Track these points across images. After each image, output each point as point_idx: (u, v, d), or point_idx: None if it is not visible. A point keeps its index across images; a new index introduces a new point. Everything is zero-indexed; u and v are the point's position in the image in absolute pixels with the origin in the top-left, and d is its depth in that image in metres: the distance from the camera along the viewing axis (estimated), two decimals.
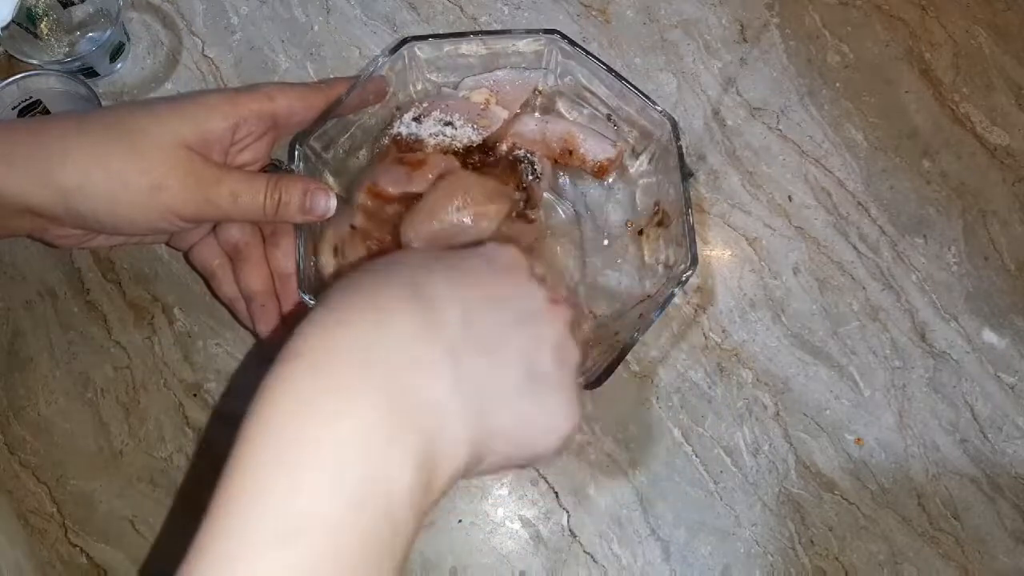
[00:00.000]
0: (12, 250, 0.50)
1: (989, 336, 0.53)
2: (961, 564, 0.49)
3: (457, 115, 0.48)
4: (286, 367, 0.27)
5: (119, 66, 0.54)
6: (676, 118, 0.45)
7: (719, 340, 0.51)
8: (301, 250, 0.42)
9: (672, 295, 0.42)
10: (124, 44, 0.53)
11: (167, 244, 0.46)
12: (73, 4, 0.52)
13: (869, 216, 0.54)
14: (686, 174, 0.44)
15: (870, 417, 0.51)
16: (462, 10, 0.56)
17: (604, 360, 0.42)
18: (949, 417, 0.51)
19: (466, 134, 0.47)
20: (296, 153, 0.42)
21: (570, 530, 0.48)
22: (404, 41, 0.44)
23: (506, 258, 0.34)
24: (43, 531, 0.47)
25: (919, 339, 0.52)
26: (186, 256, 0.46)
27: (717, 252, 0.53)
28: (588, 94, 0.49)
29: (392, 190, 0.45)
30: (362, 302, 0.29)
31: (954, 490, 0.50)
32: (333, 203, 0.41)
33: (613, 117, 0.49)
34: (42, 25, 0.51)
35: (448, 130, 0.47)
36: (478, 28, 0.56)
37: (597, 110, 0.50)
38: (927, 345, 0.52)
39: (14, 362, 0.49)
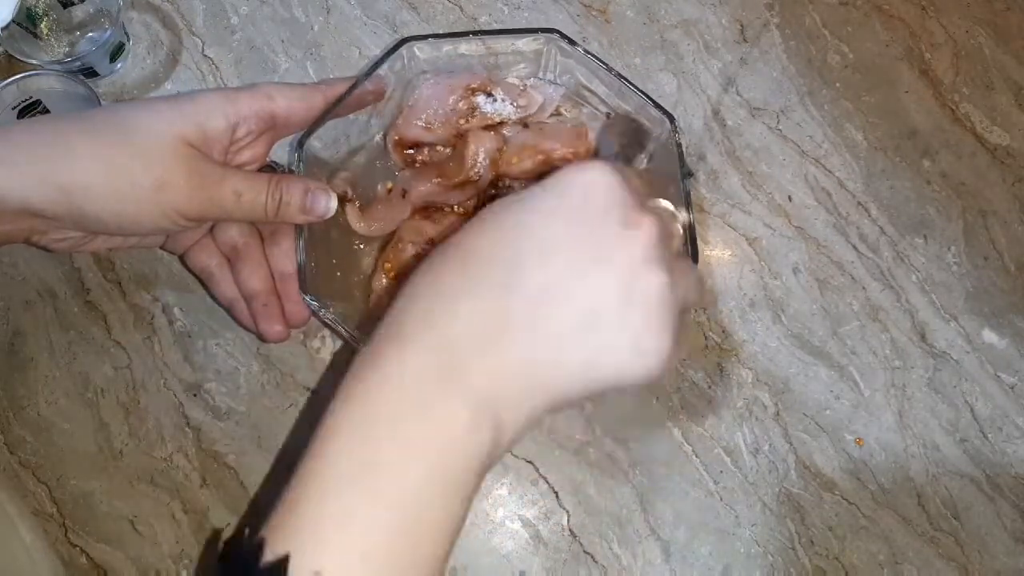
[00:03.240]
0: (12, 250, 0.50)
1: (989, 336, 0.53)
2: (961, 564, 0.49)
3: (499, 89, 0.48)
4: (376, 342, 0.30)
5: (119, 66, 0.54)
6: (675, 116, 0.45)
7: (719, 340, 0.51)
8: (302, 250, 0.42)
9: (680, 149, 0.42)
10: (124, 44, 0.53)
11: (163, 248, 0.46)
12: (73, 4, 0.52)
13: (869, 216, 0.54)
14: (686, 172, 0.44)
15: (870, 417, 0.51)
16: (462, 10, 0.56)
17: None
18: (949, 417, 0.51)
19: (506, 109, 0.48)
20: (298, 153, 0.42)
21: (570, 530, 0.48)
22: (403, 41, 0.44)
23: (581, 184, 0.32)
24: (43, 531, 0.46)
25: (919, 339, 0.52)
26: (182, 259, 0.46)
27: (717, 252, 0.53)
28: (587, 93, 0.49)
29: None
30: (427, 277, 0.32)
31: (954, 490, 0.50)
32: (333, 203, 0.41)
33: (612, 116, 0.49)
34: (42, 25, 0.51)
35: (488, 102, 0.48)
36: (478, 28, 0.56)
37: (597, 109, 0.50)
38: (927, 345, 0.52)
39: (14, 362, 0.49)
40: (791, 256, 0.53)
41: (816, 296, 0.53)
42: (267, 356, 0.50)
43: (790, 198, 0.54)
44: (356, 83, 0.43)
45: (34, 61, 0.48)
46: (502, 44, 0.47)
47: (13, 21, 0.48)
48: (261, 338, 0.45)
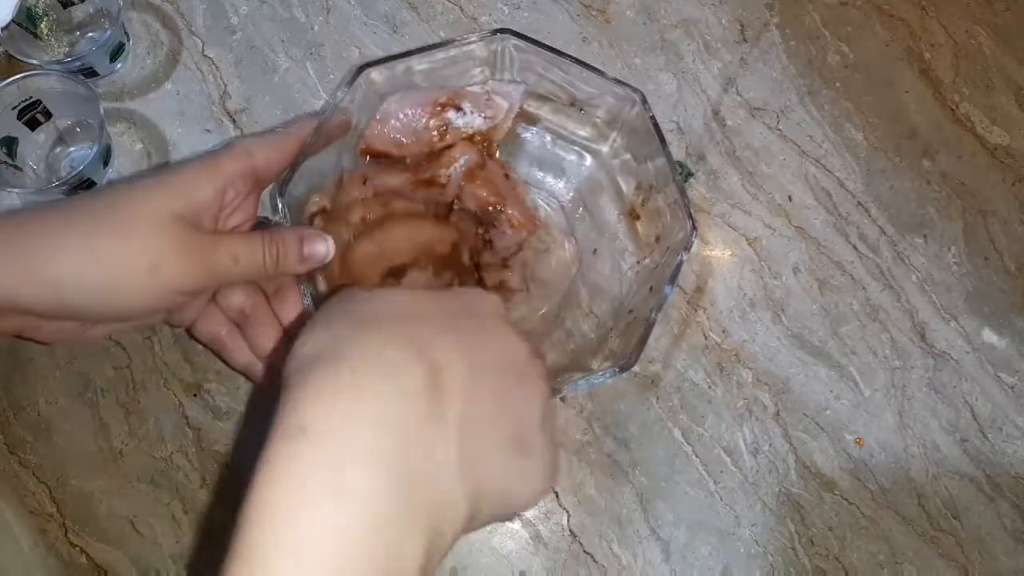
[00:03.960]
0: None
1: (989, 336, 0.53)
2: (961, 564, 0.49)
3: (467, 102, 0.48)
4: (288, 443, 0.27)
5: (119, 66, 0.54)
6: (644, 92, 0.44)
7: (719, 340, 0.51)
8: (308, 299, 0.41)
9: (680, 264, 0.41)
10: (124, 44, 0.53)
11: (168, 323, 0.44)
12: (73, 4, 0.52)
13: (869, 216, 0.54)
14: (663, 141, 0.44)
15: (870, 417, 0.51)
16: (462, 10, 0.56)
17: (627, 343, 0.42)
18: (949, 417, 0.51)
19: (475, 121, 0.47)
20: (281, 203, 0.41)
21: (570, 530, 0.48)
22: (361, 68, 0.44)
23: (485, 306, 0.34)
24: (43, 531, 0.47)
25: (919, 339, 0.52)
26: (189, 332, 0.44)
27: (717, 252, 0.53)
28: (550, 85, 0.48)
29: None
30: (365, 356, 0.29)
31: (954, 490, 0.50)
32: (331, 247, 0.40)
33: (577, 103, 0.48)
34: (42, 25, 0.51)
35: (459, 116, 0.47)
36: (478, 28, 0.56)
37: (558, 98, 0.49)
38: (927, 345, 0.52)
39: (14, 362, 0.49)
40: (791, 256, 0.53)
41: (816, 296, 0.53)
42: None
43: (790, 198, 0.54)
44: (321, 121, 0.43)
45: (34, 61, 0.48)
46: (457, 52, 0.45)
47: (13, 21, 0.48)
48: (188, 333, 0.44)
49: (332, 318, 0.32)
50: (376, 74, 0.45)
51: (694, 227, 0.42)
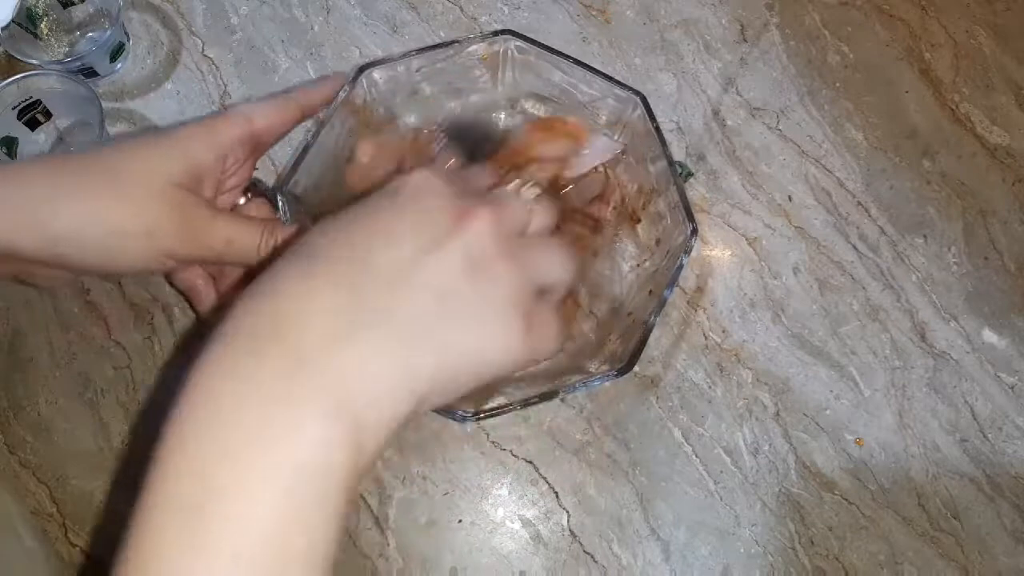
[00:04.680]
0: None
1: (989, 336, 0.53)
2: (961, 564, 0.49)
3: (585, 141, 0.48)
4: (202, 364, 0.26)
5: (119, 66, 0.54)
6: (645, 93, 0.44)
7: (719, 340, 0.51)
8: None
9: (680, 268, 0.41)
10: (124, 44, 0.53)
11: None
12: (73, 4, 0.52)
13: (869, 216, 0.54)
14: (665, 144, 0.44)
15: (870, 417, 0.51)
16: (462, 10, 0.56)
17: (626, 345, 0.41)
18: (949, 417, 0.51)
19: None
20: (280, 201, 0.41)
21: (570, 530, 0.48)
22: (362, 69, 0.44)
23: (410, 184, 0.31)
24: (43, 531, 0.47)
25: (919, 339, 0.52)
26: (167, 278, 0.45)
27: (717, 252, 0.53)
28: (552, 87, 0.48)
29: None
30: (268, 281, 0.28)
31: (954, 490, 0.50)
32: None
33: (578, 104, 0.48)
34: (42, 25, 0.51)
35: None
36: (478, 28, 0.56)
37: (560, 101, 0.49)
38: (927, 345, 0.52)
39: (14, 362, 0.49)
40: (791, 256, 0.53)
41: (816, 296, 0.53)
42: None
43: (790, 198, 0.54)
44: (326, 113, 0.43)
45: (34, 61, 0.48)
46: (459, 52, 0.46)
47: (13, 21, 0.48)
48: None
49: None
50: (377, 74, 0.45)
51: (695, 231, 0.42)
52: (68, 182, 0.35)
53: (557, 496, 0.49)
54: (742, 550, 0.48)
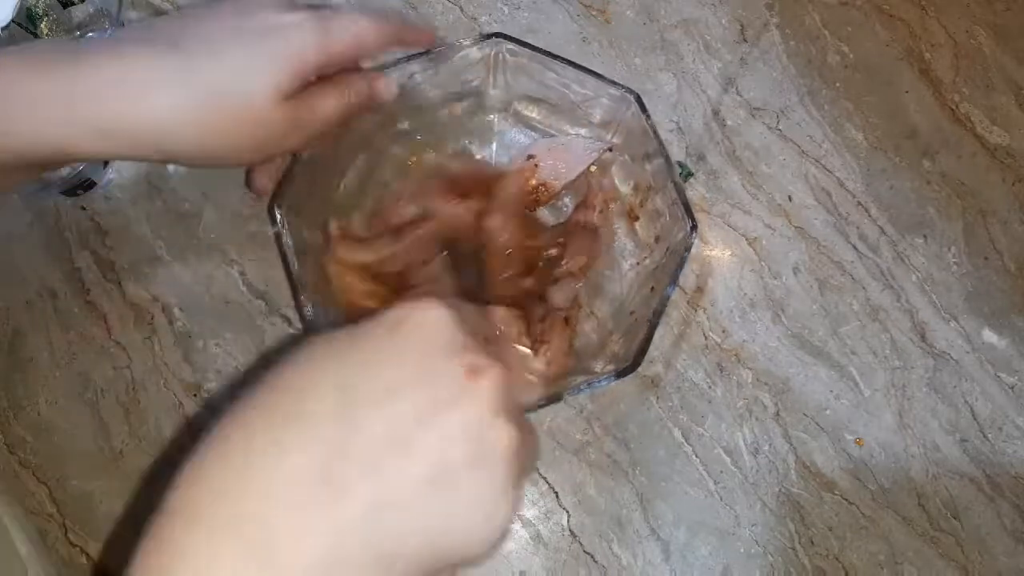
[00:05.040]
0: (12, 250, 0.50)
1: (989, 336, 0.53)
2: (961, 564, 0.49)
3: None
4: (159, 525, 0.25)
5: None
6: (644, 92, 0.44)
7: (719, 340, 0.51)
8: (309, 309, 0.42)
9: (682, 264, 0.41)
10: None
11: None
12: (73, 4, 0.52)
13: (869, 216, 0.54)
14: (660, 141, 0.44)
15: (870, 417, 0.51)
16: (462, 10, 0.56)
17: (629, 345, 0.41)
18: (949, 417, 0.51)
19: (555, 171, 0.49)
20: (278, 215, 0.42)
21: (570, 530, 0.48)
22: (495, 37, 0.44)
23: (415, 323, 0.28)
24: (43, 531, 0.47)
25: (919, 339, 0.52)
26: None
27: (717, 252, 0.53)
28: (545, 88, 0.48)
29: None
30: (238, 424, 0.27)
31: (954, 490, 0.50)
32: (393, 84, 0.41)
33: (572, 105, 0.48)
34: (42, 25, 0.51)
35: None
36: (477, 28, 0.56)
37: (554, 103, 0.49)
38: (927, 345, 0.52)
39: (14, 362, 0.49)
40: (791, 256, 0.53)
41: (816, 296, 0.53)
42: (267, 356, 0.50)
43: (790, 198, 0.54)
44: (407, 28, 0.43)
45: None
46: (451, 57, 0.46)
47: (13, 21, 0.48)
48: (247, 183, 0.43)
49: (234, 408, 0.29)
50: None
51: (694, 227, 0.42)
52: (187, 102, 0.34)
53: (557, 496, 0.49)
54: (742, 550, 0.48)
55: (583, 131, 0.50)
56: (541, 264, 0.48)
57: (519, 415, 0.28)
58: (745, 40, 0.57)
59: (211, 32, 0.36)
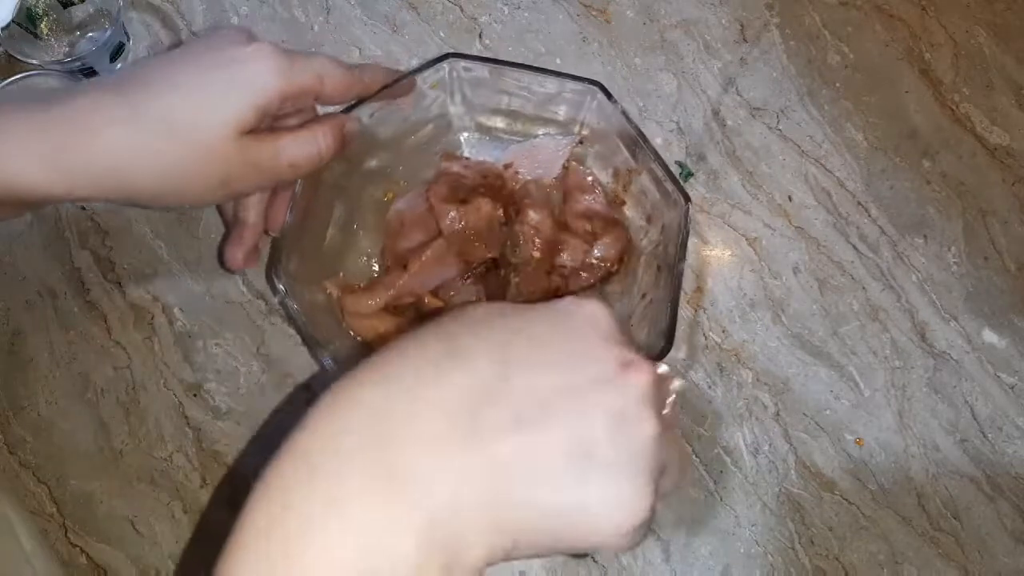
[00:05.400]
0: (12, 250, 0.50)
1: (989, 336, 0.53)
2: (961, 564, 0.49)
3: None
4: (295, 439, 0.25)
5: (119, 66, 0.53)
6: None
7: (719, 340, 0.51)
8: (328, 361, 0.42)
9: (686, 238, 0.41)
10: (124, 44, 0.53)
11: None
12: (73, 4, 0.52)
13: (869, 216, 0.54)
14: (632, 122, 0.43)
15: (870, 417, 0.51)
16: (462, 10, 0.56)
17: (652, 329, 0.41)
18: (949, 417, 0.51)
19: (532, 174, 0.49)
20: (279, 285, 0.41)
21: None
22: (446, 56, 0.44)
23: (583, 314, 0.29)
24: (43, 531, 0.47)
25: (919, 339, 0.52)
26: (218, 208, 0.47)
27: (717, 252, 0.53)
28: (508, 97, 0.48)
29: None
30: (384, 365, 0.26)
31: (954, 490, 0.50)
32: (355, 123, 0.42)
33: (535, 107, 0.48)
34: (42, 25, 0.51)
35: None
36: (477, 28, 0.56)
37: (518, 109, 0.49)
38: (927, 345, 0.52)
39: (14, 362, 0.49)
40: (791, 256, 0.53)
41: (816, 296, 0.53)
42: (267, 356, 0.50)
43: (790, 198, 0.54)
44: (390, 84, 0.43)
45: (34, 61, 0.48)
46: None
47: (13, 21, 0.48)
48: (220, 261, 0.44)
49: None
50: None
51: (687, 197, 0.42)
52: (146, 137, 0.35)
53: None
54: (742, 550, 0.48)
55: (551, 130, 0.50)
56: (567, 259, 0.48)
57: (664, 420, 0.28)
58: (745, 40, 0.57)
59: (175, 67, 0.37)
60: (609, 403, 0.26)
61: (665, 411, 0.29)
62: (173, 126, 0.35)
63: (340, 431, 0.25)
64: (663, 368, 0.30)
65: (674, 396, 0.30)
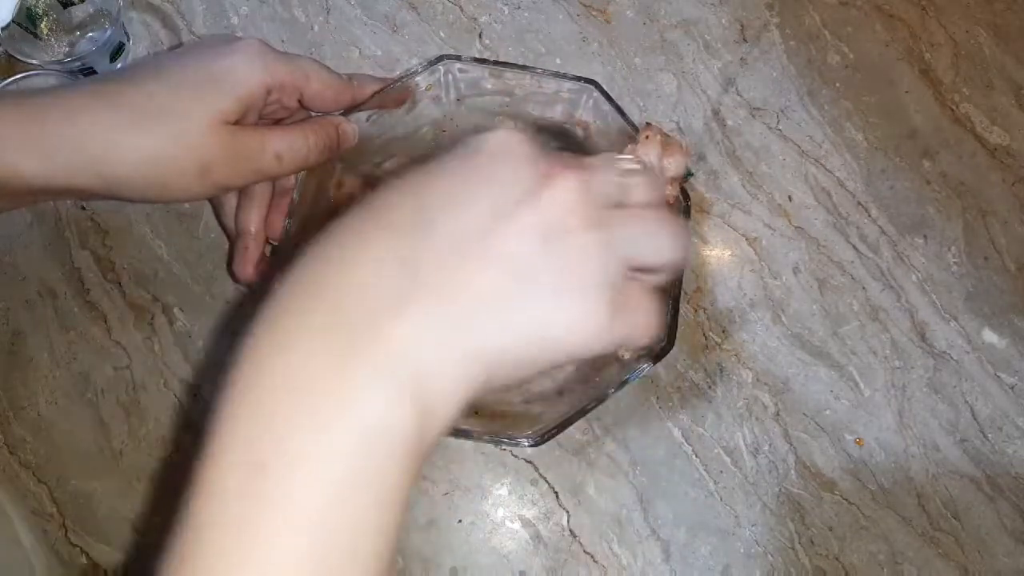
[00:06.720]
0: (12, 250, 0.50)
1: (989, 336, 0.53)
2: (961, 564, 0.49)
3: None
4: (250, 339, 0.25)
5: (119, 66, 0.53)
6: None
7: (719, 340, 0.51)
8: (289, 225, 0.42)
9: (687, 222, 0.41)
10: (124, 44, 0.53)
11: None
12: (73, 4, 0.52)
13: (869, 216, 0.54)
14: (628, 118, 0.43)
15: (870, 417, 0.51)
16: (462, 10, 0.56)
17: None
18: (949, 417, 0.51)
19: None
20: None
21: (570, 530, 0.48)
22: (440, 58, 0.44)
23: (495, 141, 0.28)
24: (43, 531, 0.47)
25: (919, 339, 0.52)
26: (218, 217, 0.47)
27: (717, 252, 0.53)
28: (503, 98, 0.48)
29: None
30: (325, 242, 0.27)
31: (954, 490, 0.50)
32: (354, 127, 0.42)
33: (531, 108, 0.48)
34: (42, 25, 0.51)
35: None
36: (477, 28, 0.56)
37: (514, 110, 0.49)
38: (927, 345, 0.52)
39: (14, 362, 0.49)
40: (791, 256, 0.53)
41: (816, 296, 0.53)
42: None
43: (790, 198, 0.54)
44: (381, 89, 0.43)
45: (34, 61, 0.48)
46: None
47: (13, 21, 0.48)
48: (232, 276, 0.44)
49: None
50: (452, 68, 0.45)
51: (686, 197, 0.41)
52: (124, 123, 0.35)
53: (557, 496, 0.49)
54: (742, 550, 0.48)
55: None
56: None
57: (607, 215, 0.28)
58: (745, 40, 0.57)
59: (162, 60, 0.38)
60: (536, 219, 0.26)
61: (635, 195, 0.29)
62: (152, 113, 0.35)
63: (295, 312, 0.25)
64: (604, 156, 0.30)
65: (637, 175, 0.30)
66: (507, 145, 0.28)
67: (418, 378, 0.24)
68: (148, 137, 0.35)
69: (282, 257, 0.43)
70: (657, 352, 0.39)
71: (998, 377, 0.52)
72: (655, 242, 0.29)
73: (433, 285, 0.25)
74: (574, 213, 0.26)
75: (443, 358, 0.24)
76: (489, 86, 0.46)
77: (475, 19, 0.56)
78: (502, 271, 0.25)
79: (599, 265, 0.27)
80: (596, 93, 0.44)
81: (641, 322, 0.28)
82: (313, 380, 0.23)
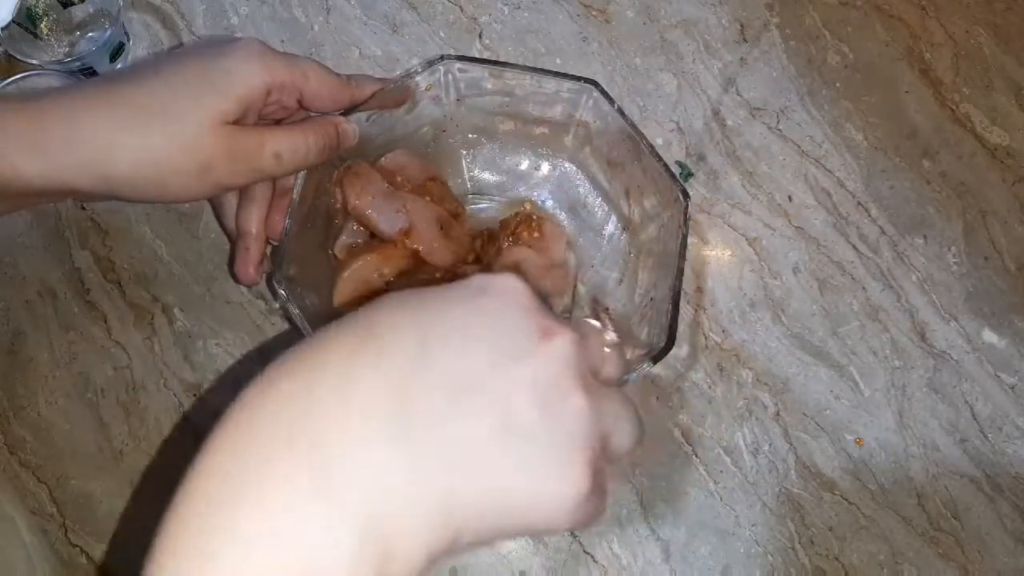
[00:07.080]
0: (12, 250, 0.50)
1: (989, 336, 0.53)
2: (961, 564, 0.49)
3: None
4: (215, 439, 0.25)
5: (119, 66, 0.53)
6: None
7: (719, 340, 0.51)
8: (289, 227, 0.42)
9: (685, 234, 0.41)
10: (124, 44, 0.53)
11: None
12: (73, 4, 0.52)
13: (869, 216, 0.54)
14: (627, 118, 0.43)
15: (870, 417, 0.51)
16: (462, 10, 0.56)
17: (652, 327, 0.41)
18: (949, 417, 0.51)
19: None
20: (280, 291, 0.41)
21: (570, 530, 0.48)
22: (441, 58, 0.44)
23: (497, 287, 0.28)
24: (43, 531, 0.47)
25: (919, 339, 0.52)
26: (219, 220, 0.47)
27: (717, 252, 0.53)
28: (503, 98, 0.48)
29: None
30: (307, 352, 0.26)
31: (954, 490, 0.50)
32: (355, 127, 0.42)
33: (531, 108, 0.48)
34: (42, 25, 0.51)
35: None
36: (477, 28, 0.56)
37: (513, 110, 0.49)
38: (927, 345, 0.52)
39: (14, 362, 0.49)
40: (791, 256, 0.53)
41: (816, 296, 0.53)
42: (268, 356, 0.50)
43: (790, 198, 0.54)
44: (381, 89, 0.43)
45: (34, 61, 0.48)
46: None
47: (13, 21, 0.48)
48: (234, 277, 0.44)
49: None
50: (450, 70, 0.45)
51: (686, 195, 0.41)
52: (123, 123, 0.35)
53: None
54: (742, 550, 0.48)
55: (546, 130, 0.49)
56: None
57: (597, 386, 0.27)
58: (745, 40, 0.57)
59: (162, 60, 0.38)
60: (532, 376, 0.25)
61: (606, 370, 0.29)
62: (152, 114, 0.35)
63: (266, 424, 0.24)
64: (592, 324, 0.30)
65: (613, 352, 0.29)
66: (510, 291, 0.27)
67: (383, 535, 0.22)
68: (148, 137, 0.35)
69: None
70: (657, 352, 0.39)
71: (998, 377, 0.52)
72: (626, 425, 0.29)
73: (411, 433, 0.23)
74: (568, 375, 0.26)
75: (417, 520, 0.23)
76: (489, 86, 0.46)
77: (475, 19, 0.56)
78: (492, 424, 0.24)
79: (588, 434, 0.26)
80: (596, 93, 0.44)
81: (602, 504, 0.27)
82: (282, 521, 0.22)
